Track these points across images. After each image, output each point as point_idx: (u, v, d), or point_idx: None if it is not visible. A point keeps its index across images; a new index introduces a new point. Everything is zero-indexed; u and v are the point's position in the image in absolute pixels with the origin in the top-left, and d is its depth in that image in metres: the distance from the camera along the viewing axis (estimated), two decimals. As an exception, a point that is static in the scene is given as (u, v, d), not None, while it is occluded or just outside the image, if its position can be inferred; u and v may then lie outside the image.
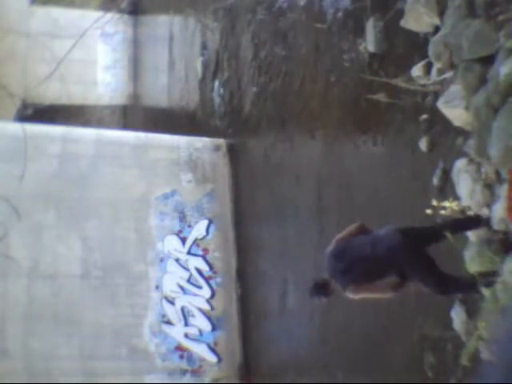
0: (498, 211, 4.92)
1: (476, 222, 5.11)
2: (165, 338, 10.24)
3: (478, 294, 5.13)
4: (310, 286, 5.27)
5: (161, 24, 16.13)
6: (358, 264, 5.01)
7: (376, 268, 4.99)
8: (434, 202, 5.46)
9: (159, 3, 16.64)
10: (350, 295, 5.09)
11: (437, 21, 5.80)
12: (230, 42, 11.75)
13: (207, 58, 12.74)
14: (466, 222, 5.23)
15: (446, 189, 5.81)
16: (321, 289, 5.21)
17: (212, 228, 10.81)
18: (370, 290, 5.09)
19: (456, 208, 5.35)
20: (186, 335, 10.35)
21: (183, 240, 10.65)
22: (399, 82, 6.40)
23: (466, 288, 5.21)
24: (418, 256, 4.95)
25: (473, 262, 5.12)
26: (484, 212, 5.09)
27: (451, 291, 5.23)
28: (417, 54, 6.27)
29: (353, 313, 7.64)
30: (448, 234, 4.98)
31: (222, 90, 11.98)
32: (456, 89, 5.37)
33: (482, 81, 5.04)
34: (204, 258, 10.68)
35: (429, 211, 5.45)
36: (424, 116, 6.22)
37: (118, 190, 10.68)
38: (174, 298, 10.39)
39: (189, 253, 10.62)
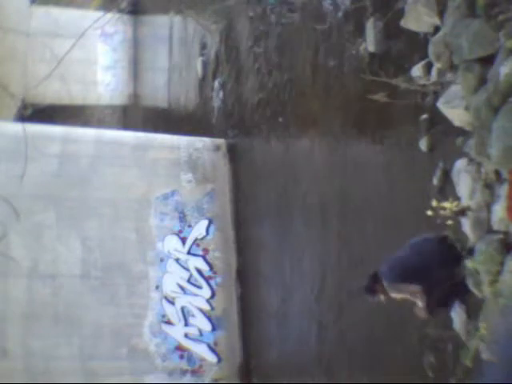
0: (498, 211, 4.92)
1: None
2: (165, 337, 10.24)
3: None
4: (367, 279, 5.48)
5: (161, 24, 16.13)
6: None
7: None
8: (434, 203, 5.46)
9: (159, 3, 16.63)
10: (391, 292, 5.34)
11: (437, 21, 5.80)
12: (229, 43, 11.75)
13: (207, 57, 12.74)
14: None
15: (446, 189, 5.80)
16: (373, 282, 5.42)
17: (212, 228, 10.80)
18: (402, 289, 5.31)
19: (456, 209, 5.35)
20: (186, 335, 10.34)
21: (183, 240, 10.64)
22: (399, 82, 6.40)
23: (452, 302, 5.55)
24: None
25: (474, 260, 5.13)
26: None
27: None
28: (417, 54, 6.26)
29: (353, 313, 7.65)
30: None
31: (221, 90, 11.98)
32: (456, 89, 5.38)
33: (482, 81, 5.04)
34: (204, 258, 10.68)
35: (430, 213, 5.45)
36: (424, 116, 6.21)
37: (118, 189, 10.68)
38: (174, 298, 10.38)
39: (189, 253, 10.61)
